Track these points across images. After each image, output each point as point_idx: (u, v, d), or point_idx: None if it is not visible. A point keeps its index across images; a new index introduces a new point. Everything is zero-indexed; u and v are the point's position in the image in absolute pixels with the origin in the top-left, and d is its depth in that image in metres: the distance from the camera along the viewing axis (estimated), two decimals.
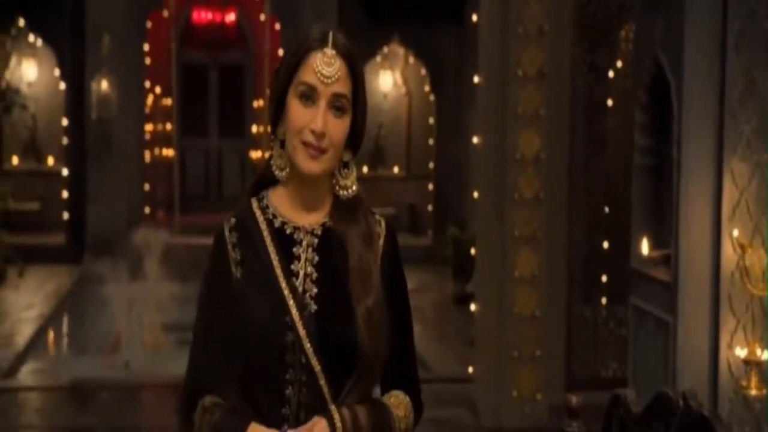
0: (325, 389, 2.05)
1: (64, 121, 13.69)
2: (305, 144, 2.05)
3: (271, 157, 2.15)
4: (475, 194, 6.35)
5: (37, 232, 13.49)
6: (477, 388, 6.28)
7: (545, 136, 6.03)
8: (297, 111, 2.06)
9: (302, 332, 2.04)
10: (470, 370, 6.38)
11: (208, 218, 14.36)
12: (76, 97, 13.52)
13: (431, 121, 14.49)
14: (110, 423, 6.76)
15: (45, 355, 9.48)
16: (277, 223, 2.13)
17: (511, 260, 6.07)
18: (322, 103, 2.05)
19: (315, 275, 2.10)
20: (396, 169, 15.11)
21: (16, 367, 8.22)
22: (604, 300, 6.39)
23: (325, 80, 2.04)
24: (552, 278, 6.09)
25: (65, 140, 13.72)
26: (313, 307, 2.07)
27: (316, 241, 2.12)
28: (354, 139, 2.13)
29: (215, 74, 16.22)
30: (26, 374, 8.16)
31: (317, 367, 2.04)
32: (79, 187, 13.48)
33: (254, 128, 15.69)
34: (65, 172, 13.65)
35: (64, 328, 11.01)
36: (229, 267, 2.11)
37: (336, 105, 2.06)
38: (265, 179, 2.18)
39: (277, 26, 14.22)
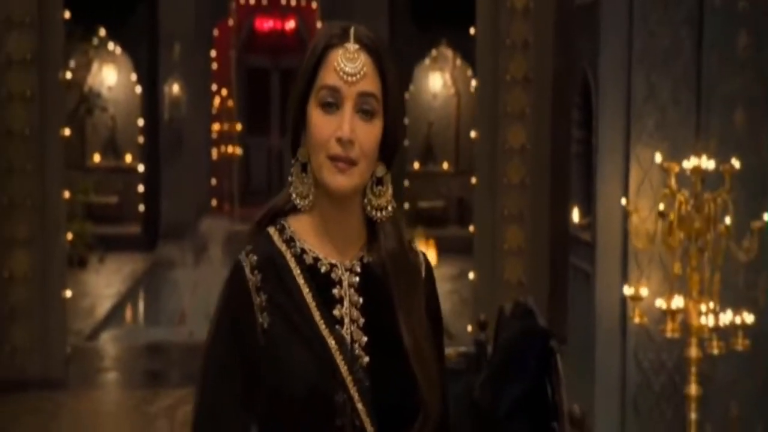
0: None
1: (140, 122, 14.58)
2: (332, 158, 1.71)
3: (290, 184, 1.79)
4: (473, 180, 7.52)
5: (116, 223, 14.39)
6: None
7: (530, 130, 7.18)
8: (319, 121, 1.72)
9: (353, 390, 1.71)
10: (469, 328, 7.54)
11: None
12: (151, 100, 14.45)
13: None
14: (178, 369, 7.95)
15: (122, 324, 10.72)
16: (308, 260, 1.77)
17: (501, 235, 7.23)
18: (348, 106, 1.71)
19: (362, 321, 1.76)
20: (445, 165, 15.84)
21: (97, 332, 9.45)
22: None
23: (349, 78, 1.71)
24: (536, 250, 7.23)
25: (141, 139, 14.62)
26: (365, 359, 1.74)
27: (357, 280, 1.78)
28: (387, 149, 1.77)
29: (276, 77, 17.27)
30: (106, 338, 9.40)
31: (371, 430, 1.72)
32: (154, 182, 14.42)
33: None
34: (141, 168, 14.54)
35: (139, 304, 12.24)
36: (254, 314, 1.73)
37: (364, 108, 1.72)
38: (281, 210, 1.82)
39: None
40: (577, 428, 3.25)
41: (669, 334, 4.42)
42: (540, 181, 7.20)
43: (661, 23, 4.99)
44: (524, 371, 3.38)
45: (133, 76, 14.72)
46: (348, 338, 1.74)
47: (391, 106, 1.75)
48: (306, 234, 1.79)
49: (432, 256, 10.07)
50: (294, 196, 1.78)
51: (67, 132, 7.36)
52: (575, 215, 5.23)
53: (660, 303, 4.50)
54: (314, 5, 16.19)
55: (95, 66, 14.63)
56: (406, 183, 14.92)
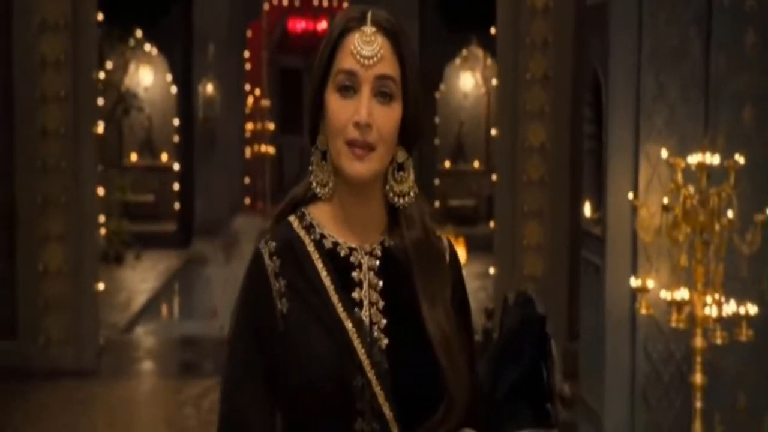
0: None
1: (176, 121, 14.79)
2: (350, 143, 1.70)
3: (310, 173, 1.79)
4: (494, 177, 7.67)
5: (152, 220, 14.58)
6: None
7: (549, 128, 7.32)
8: (336, 105, 1.71)
9: (371, 373, 1.71)
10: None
11: None
12: (186, 100, 14.69)
13: None
14: (208, 361, 8.14)
15: (156, 318, 11.02)
16: (327, 245, 1.77)
17: (521, 231, 7.38)
18: (365, 90, 1.70)
19: (381, 304, 1.76)
20: (476, 164, 15.95)
21: (132, 326, 9.73)
22: None
23: (366, 61, 1.70)
24: (555, 246, 7.37)
25: (176, 138, 14.82)
26: (384, 341, 1.74)
27: (377, 263, 1.77)
28: (407, 134, 1.76)
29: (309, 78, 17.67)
30: (141, 332, 9.67)
31: (389, 414, 1.71)
32: (189, 181, 14.65)
33: None
34: (177, 167, 14.74)
35: (173, 299, 12.55)
36: (273, 300, 1.74)
37: (381, 90, 1.71)
38: (301, 200, 1.82)
39: None
40: (567, 407, 3.40)
41: (674, 325, 4.56)
42: (559, 178, 7.34)
43: (670, 22, 5.12)
44: (521, 356, 3.58)
45: (169, 77, 14.95)
46: (367, 321, 1.74)
47: (410, 89, 1.74)
48: (326, 221, 1.78)
49: (462, 254, 10.18)
50: (314, 184, 1.77)
51: (100, 130, 7.61)
52: (587, 210, 5.37)
53: (665, 295, 4.64)
54: (345, 6, 16.40)
55: (132, 67, 14.82)
56: (437, 182, 15.07)
